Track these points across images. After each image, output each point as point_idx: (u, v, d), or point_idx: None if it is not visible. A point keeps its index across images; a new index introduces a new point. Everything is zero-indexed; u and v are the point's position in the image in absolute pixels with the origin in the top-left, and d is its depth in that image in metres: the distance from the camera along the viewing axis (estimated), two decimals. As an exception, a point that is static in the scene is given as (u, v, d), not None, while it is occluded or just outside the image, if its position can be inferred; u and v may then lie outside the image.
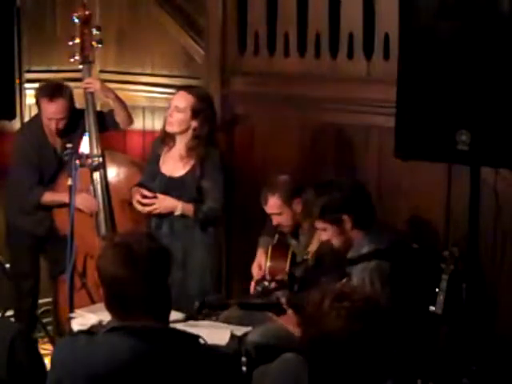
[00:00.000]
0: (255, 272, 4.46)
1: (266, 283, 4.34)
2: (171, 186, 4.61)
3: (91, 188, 4.84)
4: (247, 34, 5.34)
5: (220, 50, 5.40)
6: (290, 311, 3.85)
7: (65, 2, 5.98)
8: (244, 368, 4.19)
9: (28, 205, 4.91)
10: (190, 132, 4.58)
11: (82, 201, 4.77)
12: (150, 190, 4.62)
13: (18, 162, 4.97)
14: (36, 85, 5.42)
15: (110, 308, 2.51)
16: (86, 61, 4.90)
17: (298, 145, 5.14)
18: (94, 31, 4.92)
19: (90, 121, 4.87)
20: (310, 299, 2.17)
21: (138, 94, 5.72)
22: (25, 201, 4.91)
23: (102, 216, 4.83)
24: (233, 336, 3.89)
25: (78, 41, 4.90)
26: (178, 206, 4.56)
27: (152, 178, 4.68)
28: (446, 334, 3.88)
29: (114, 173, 4.96)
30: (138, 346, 2.41)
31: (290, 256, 4.37)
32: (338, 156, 4.99)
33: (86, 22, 4.90)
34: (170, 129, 4.60)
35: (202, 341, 2.52)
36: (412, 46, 3.81)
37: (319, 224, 3.89)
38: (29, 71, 5.61)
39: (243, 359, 4.21)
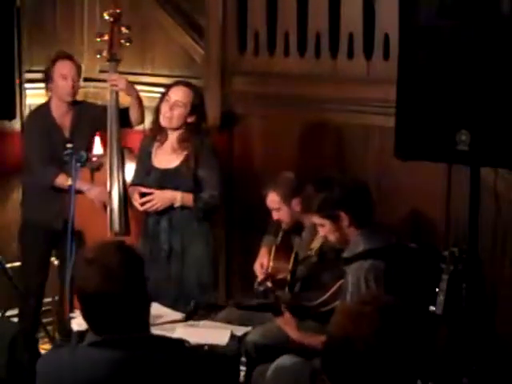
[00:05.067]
0: (258, 271, 4.46)
1: (269, 284, 4.35)
2: (166, 178, 4.60)
3: (108, 183, 4.85)
4: (247, 34, 5.34)
5: (220, 50, 5.41)
6: (287, 313, 3.86)
7: (65, 2, 5.99)
8: (243, 368, 4.20)
9: (41, 184, 4.93)
10: (184, 126, 4.58)
11: (98, 194, 4.80)
12: (145, 187, 4.62)
13: (28, 143, 5.04)
14: (36, 85, 5.44)
15: (88, 322, 2.47)
16: (114, 58, 4.93)
17: (297, 145, 5.14)
18: (124, 29, 4.95)
19: (113, 118, 4.89)
20: (344, 305, 2.14)
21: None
22: (37, 180, 4.94)
23: (116, 214, 4.83)
24: (233, 336, 3.89)
25: (106, 38, 4.94)
26: (177, 197, 4.55)
27: (146, 174, 4.68)
28: (446, 334, 3.88)
29: (131, 171, 4.96)
30: (119, 356, 2.39)
31: (293, 257, 4.37)
32: (338, 156, 4.99)
33: (117, 19, 4.93)
34: (167, 124, 4.57)
35: (186, 344, 2.51)
36: (412, 46, 3.80)
37: (317, 219, 3.90)
38: (29, 71, 5.62)
39: (243, 359, 4.22)
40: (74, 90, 5.00)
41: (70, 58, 5.03)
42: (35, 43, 5.71)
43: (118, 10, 4.95)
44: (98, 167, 4.84)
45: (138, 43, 5.86)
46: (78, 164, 4.44)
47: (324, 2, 4.94)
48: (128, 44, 4.98)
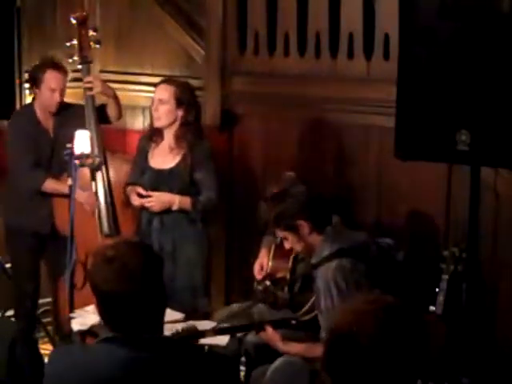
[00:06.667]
0: (257, 271, 4.46)
1: (268, 283, 4.35)
2: (160, 179, 4.60)
3: (93, 185, 4.83)
4: (247, 34, 5.34)
5: (220, 50, 5.40)
6: (269, 329, 3.86)
7: (65, 2, 5.99)
8: (243, 368, 4.20)
9: (28, 189, 4.86)
10: (177, 122, 4.60)
11: (87, 197, 4.78)
12: (140, 187, 4.63)
13: (13, 147, 4.90)
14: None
15: (104, 320, 2.46)
16: (85, 61, 4.89)
17: (297, 145, 5.14)
18: (91, 32, 4.92)
19: (91, 120, 4.85)
20: (347, 305, 2.15)
21: (138, 94, 5.72)
22: (25, 185, 4.87)
23: (104, 215, 4.82)
24: (233, 336, 3.89)
25: (75, 42, 4.89)
26: (175, 201, 4.55)
27: (141, 174, 4.69)
28: (445, 333, 3.88)
29: (114, 172, 4.96)
30: (132, 355, 2.37)
31: (292, 256, 4.37)
32: (338, 156, 4.99)
33: (83, 22, 4.89)
34: (158, 123, 4.61)
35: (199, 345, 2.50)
36: (412, 46, 3.81)
37: (279, 233, 3.93)
38: (29, 71, 5.61)
39: (242, 359, 4.22)
40: (60, 101, 4.89)
41: (59, 68, 4.87)
42: (35, 43, 5.71)
43: (84, 13, 4.92)
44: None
45: (138, 43, 5.86)
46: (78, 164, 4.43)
47: (324, 2, 4.94)
48: (98, 46, 4.94)
